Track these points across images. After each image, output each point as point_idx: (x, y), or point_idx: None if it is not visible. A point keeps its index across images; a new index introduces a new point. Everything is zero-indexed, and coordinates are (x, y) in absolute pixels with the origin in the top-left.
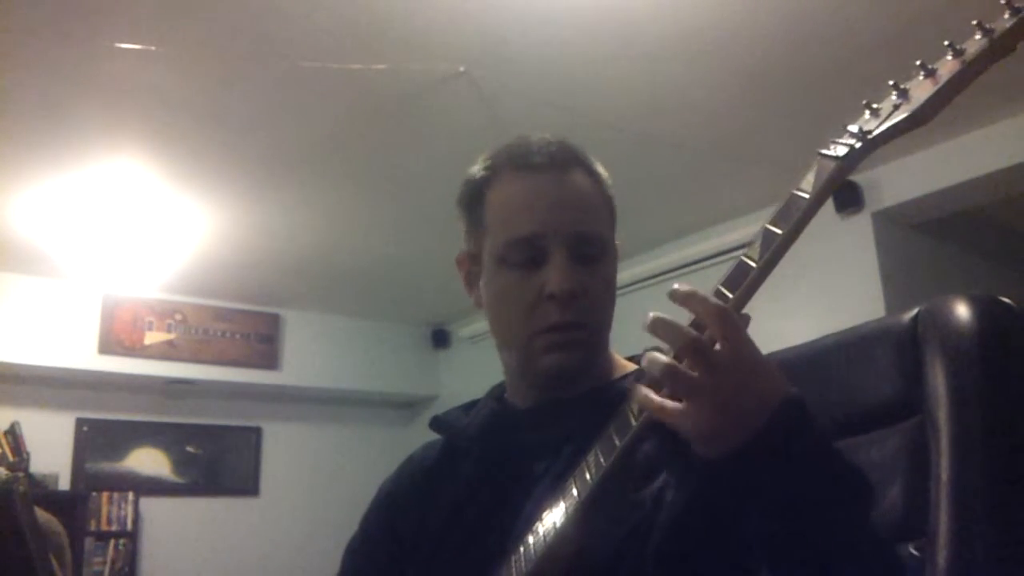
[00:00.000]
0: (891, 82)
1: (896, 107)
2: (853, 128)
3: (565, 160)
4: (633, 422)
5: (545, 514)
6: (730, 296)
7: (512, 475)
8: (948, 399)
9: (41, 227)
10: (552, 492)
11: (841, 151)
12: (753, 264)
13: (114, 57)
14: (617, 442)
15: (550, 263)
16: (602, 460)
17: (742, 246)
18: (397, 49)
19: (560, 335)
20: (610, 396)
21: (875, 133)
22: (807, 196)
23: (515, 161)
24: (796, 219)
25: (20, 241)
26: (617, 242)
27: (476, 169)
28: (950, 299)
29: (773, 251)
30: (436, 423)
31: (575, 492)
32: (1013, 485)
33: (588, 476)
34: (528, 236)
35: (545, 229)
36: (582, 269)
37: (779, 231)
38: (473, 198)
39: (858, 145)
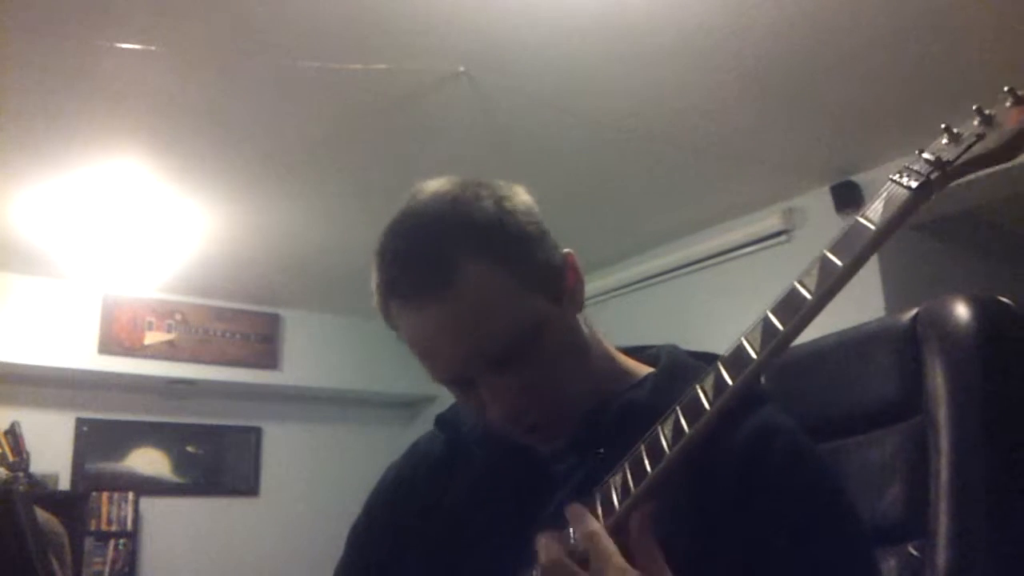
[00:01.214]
0: (975, 107)
1: (979, 136)
2: (928, 155)
3: (442, 266)
4: (667, 450)
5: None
6: (780, 328)
7: (524, 479)
8: (948, 399)
9: (41, 227)
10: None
11: (914, 182)
12: (808, 296)
13: (114, 57)
14: (649, 468)
15: (478, 388)
16: (631, 485)
17: (742, 246)
18: (397, 49)
19: (528, 435)
20: (628, 406)
21: (955, 164)
22: (873, 227)
23: (393, 287)
24: (859, 251)
25: (20, 241)
26: (566, 250)
27: (375, 274)
28: (949, 299)
29: (832, 284)
30: (442, 423)
31: (599, 513)
32: (1013, 485)
33: (615, 499)
34: (443, 382)
35: (452, 374)
36: (513, 374)
37: (839, 263)
38: (385, 316)
39: (934, 176)
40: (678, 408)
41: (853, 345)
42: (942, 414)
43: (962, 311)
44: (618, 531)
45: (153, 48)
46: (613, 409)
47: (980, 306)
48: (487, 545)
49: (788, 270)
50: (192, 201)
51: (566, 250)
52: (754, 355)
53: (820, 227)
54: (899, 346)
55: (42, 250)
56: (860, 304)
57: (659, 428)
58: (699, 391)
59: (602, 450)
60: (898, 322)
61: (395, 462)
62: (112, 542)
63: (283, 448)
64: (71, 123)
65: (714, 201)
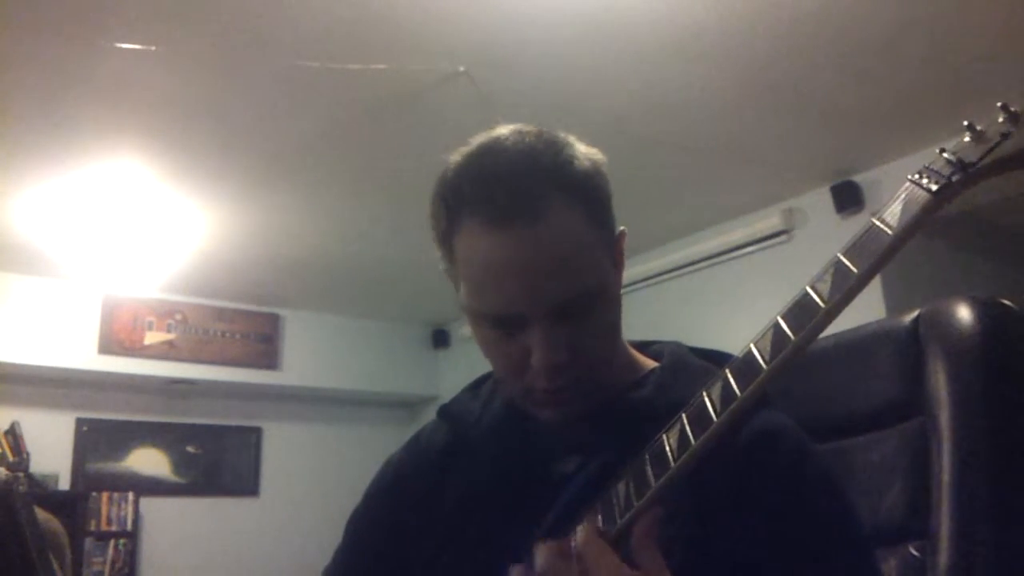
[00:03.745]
0: (999, 104)
1: (1005, 135)
2: (949, 155)
3: (536, 196)
4: (672, 462)
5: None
6: (792, 337)
7: (527, 479)
8: (949, 401)
9: (41, 227)
10: (575, 515)
11: (934, 184)
12: (821, 304)
13: (114, 57)
14: (652, 481)
15: (531, 332)
16: (634, 497)
17: (742, 246)
18: (397, 49)
19: (552, 396)
20: (631, 405)
21: (978, 166)
22: (891, 232)
23: (478, 204)
24: (875, 258)
25: (20, 241)
26: (620, 228)
27: (441, 188)
28: (951, 301)
29: (846, 292)
30: (445, 414)
31: (600, 523)
32: (1014, 487)
33: (617, 511)
34: (501, 315)
35: (519, 308)
36: (569, 328)
37: (855, 269)
38: (441, 232)
39: (955, 178)
40: (684, 417)
41: (854, 346)
42: (944, 416)
43: (964, 313)
44: (620, 542)
45: (153, 48)
46: (616, 410)
47: (982, 308)
48: (487, 546)
49: (788, 270)
50: (192, 201)
51: (621, 227)
52: (764, 365)
53: (820, 227)
54: (901, 347)
55: (42, 250)
56: (860, 305)
57: (664, 437)
58: (706, 400)
59: (606, 454)
60: (900, 323)
61: (396, 453)
62: (112, 542)
63: (283, 448)
64: (71, 123)
65: (714, 201)
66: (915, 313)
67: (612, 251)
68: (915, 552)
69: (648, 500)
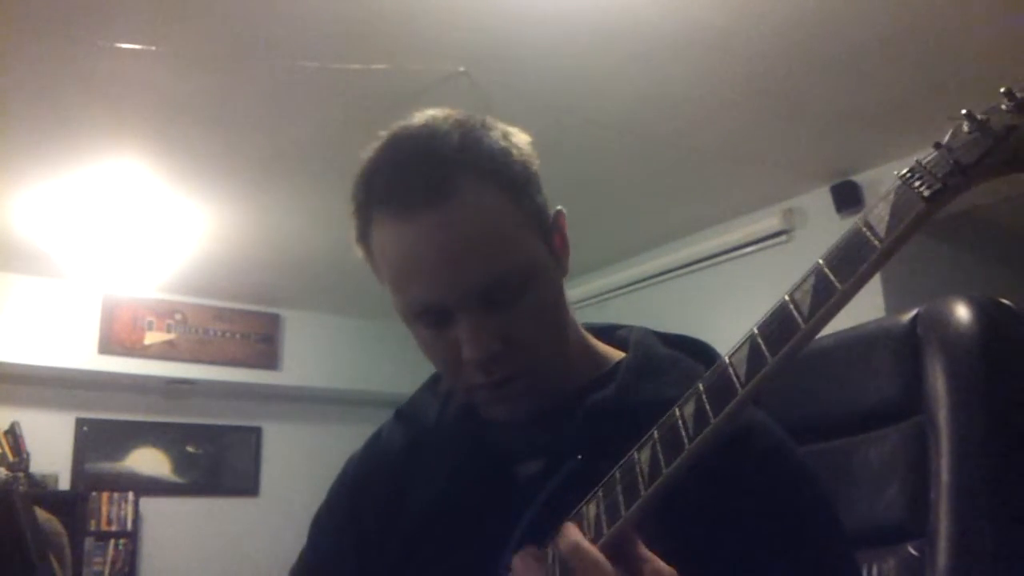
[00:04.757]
0: (1003, 89)
1: (1011, 128)
2: (946, 151)
3: (441, 179)
4: (643, 491)
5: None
6: (769, 358)
7: (492, 481)
8: (948, 400)
9: (41, 227)
10: (545, 527)
11: (927, 188)
12: (801, 322)
13: (114, 57)
14: (623, 509)
15: (457, 324)
16: (604, 523)
17: (742, 246)
18: (397, 49)
19: (496, 391)
20: (594, 405)
21: (978, 166)
22: (879, 245)
23: (384, 195)
24: (862, 271)
25: (20, 241)
26: (557, 208)
27: (354, 186)
28: (949, 300)
29: (828, 308)
30: (400, 416)
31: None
32: (1013, 485)
33: (589, 535)
34: (423, 307)
35: (439, 296)
36: (498, 316)
37: (838, 284)
38: (358, 232)
39: (951, 182)
40: (656, 436)
41: (853, 345)
42: (942, 415)
43: (963, 312)
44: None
45: (153, 48)
46: (579, 412)
47: (980, 307)
48: (452, 553)
49: (788, 270)
50: (192, 201)
51: (558, 207)
52: (739, 386)
53: (820, 227)
54: (899, 346)
55: (42, 250)
56: (860, 304)
57: (636, 457)
58: (679, 421)
59: (576, 456)
60: (898, 322)
61: (356, 453)
62: (112, 542)
63: (283, 448)
64: (71, 123)
65: (714, 201)
66: (914, 312)
67: (543, 230)
68: (914, 551)
69: (620, 528)
